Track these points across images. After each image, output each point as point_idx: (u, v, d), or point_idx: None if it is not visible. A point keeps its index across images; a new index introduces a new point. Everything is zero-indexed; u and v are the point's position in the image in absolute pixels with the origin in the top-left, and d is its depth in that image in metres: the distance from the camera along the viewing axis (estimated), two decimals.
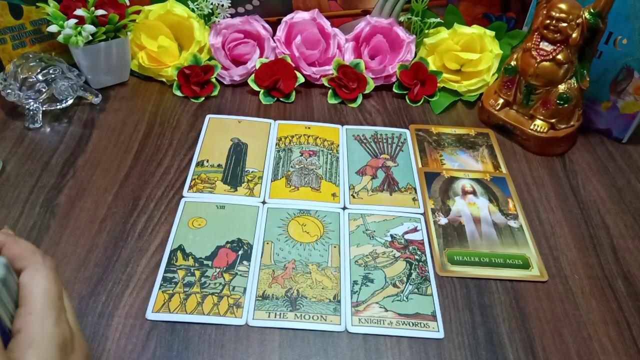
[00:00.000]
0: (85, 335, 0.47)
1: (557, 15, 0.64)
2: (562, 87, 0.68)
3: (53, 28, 0.69)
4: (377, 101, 0.80)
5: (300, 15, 0.80)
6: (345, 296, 0.52)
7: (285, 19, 0.81)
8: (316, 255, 0.56)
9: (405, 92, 0.80)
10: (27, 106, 0.68)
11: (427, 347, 0.49)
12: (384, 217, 0.61)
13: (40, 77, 0.68)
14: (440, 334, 0.50)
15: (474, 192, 0.65)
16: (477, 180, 0.67)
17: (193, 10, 0.80)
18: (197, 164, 0.66)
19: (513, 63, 0.71)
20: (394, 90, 0.81)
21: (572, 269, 0.57)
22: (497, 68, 0.79)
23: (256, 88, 0.78)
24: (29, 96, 0.68)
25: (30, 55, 0.69)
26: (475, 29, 0.80)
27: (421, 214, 0.62)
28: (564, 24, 0.64)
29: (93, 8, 0.71)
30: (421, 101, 0.80)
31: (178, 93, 0.77)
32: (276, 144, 0.70)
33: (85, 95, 0.73)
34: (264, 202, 0.62)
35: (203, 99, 0.77)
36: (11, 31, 0.73)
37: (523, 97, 0.72)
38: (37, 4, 0.71)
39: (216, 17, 0.80)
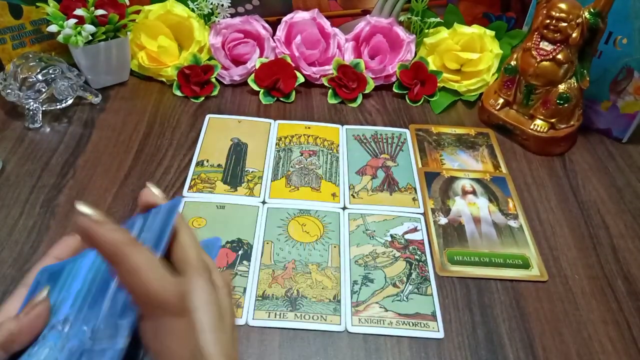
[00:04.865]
0: None
1: (557, 15, 0.64)
2: (562, 87, 0.68)
3: (53, 28, 0.69)
4: (377, 101, 0.80)
5: (300, 15, 0.80)
6: (345, 296, 0.52)
7: (285, 18, 0.81)
8: (316, 255, 0.56)
9: (405, 92, 0.80)
10: (27, 106, 0.68)
11: (427, 347, 0.49)
12: (384, 217, 0.61)
13: (40, 77, 0.68)
14: (440, 334, 0.50)
15: (474, 192, 0.65)
16: (477, 180, 0.67)
17: (193, 10, 0.80)
18: (197, 164, 0.66)
19: (513, 63, 0.71)
20: (394, 90, 0.81)
21: (572, 269, 0.57)
22: (497, 68, 0.79)
23: (256, 88, 0.78)
24: (28, 96, 0.68)
25: (30, 55, 0.69)
26: (475, 29, 0.80)
27: (421, 213, 0.62)
28: (564, 24, 0.64)
29: (93, 8, 0.71)
30: (421, 101, 0.80)
31: (178, 93, 0.77)
32: (276, 144, 0.70)
33: (85, 95, 0.73)
34: (263, 202, 0.62)
35: (203, 98, 0.77)
36: (11, 31, 0.73)
37: (523, 96, 0.72)
38: (37, 4, 0.71)
39: (216, 17, 0.80)
